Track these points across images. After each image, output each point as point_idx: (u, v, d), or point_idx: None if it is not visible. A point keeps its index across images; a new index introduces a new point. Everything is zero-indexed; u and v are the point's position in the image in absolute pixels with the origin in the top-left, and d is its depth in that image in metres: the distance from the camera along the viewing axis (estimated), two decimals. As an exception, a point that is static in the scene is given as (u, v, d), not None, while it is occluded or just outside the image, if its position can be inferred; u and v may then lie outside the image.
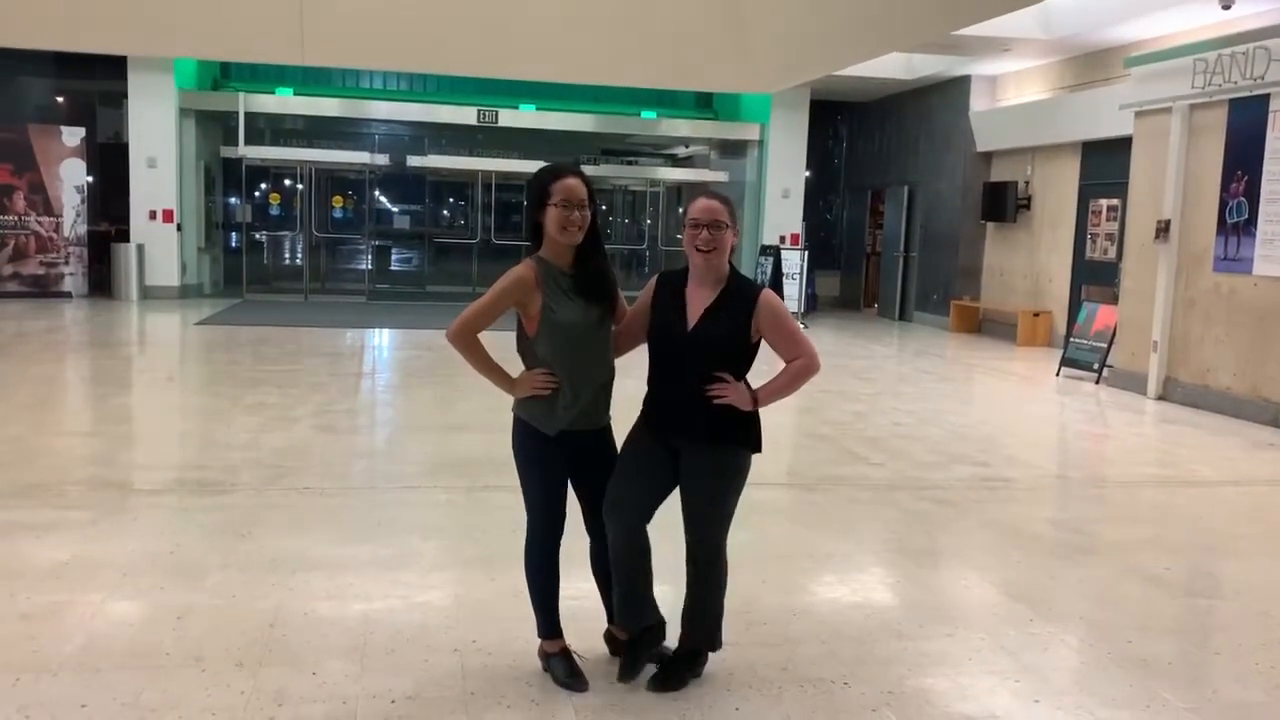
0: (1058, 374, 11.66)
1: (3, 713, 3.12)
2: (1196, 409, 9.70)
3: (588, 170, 21.01)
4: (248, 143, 17.07)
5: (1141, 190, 10.81)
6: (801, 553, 5.11)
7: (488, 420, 7.94)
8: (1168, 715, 3.45)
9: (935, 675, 3.72)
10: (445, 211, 22.94)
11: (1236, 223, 9.47)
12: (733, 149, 19.44)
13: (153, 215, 16.24)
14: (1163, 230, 10.25)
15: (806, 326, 15.65)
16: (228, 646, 3.65)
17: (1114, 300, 11.57)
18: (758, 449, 3.50)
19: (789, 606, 4.37)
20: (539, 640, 3.56)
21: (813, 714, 3.35)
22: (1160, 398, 10.24)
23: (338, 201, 20.01)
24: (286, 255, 20.41)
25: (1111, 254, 13.15)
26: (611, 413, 3.58)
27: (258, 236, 19.63)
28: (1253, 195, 9.27)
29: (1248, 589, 4.91)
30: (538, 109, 17.99)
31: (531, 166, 21.18)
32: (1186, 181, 10.09)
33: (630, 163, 22.40)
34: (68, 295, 15.92)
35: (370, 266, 19.36)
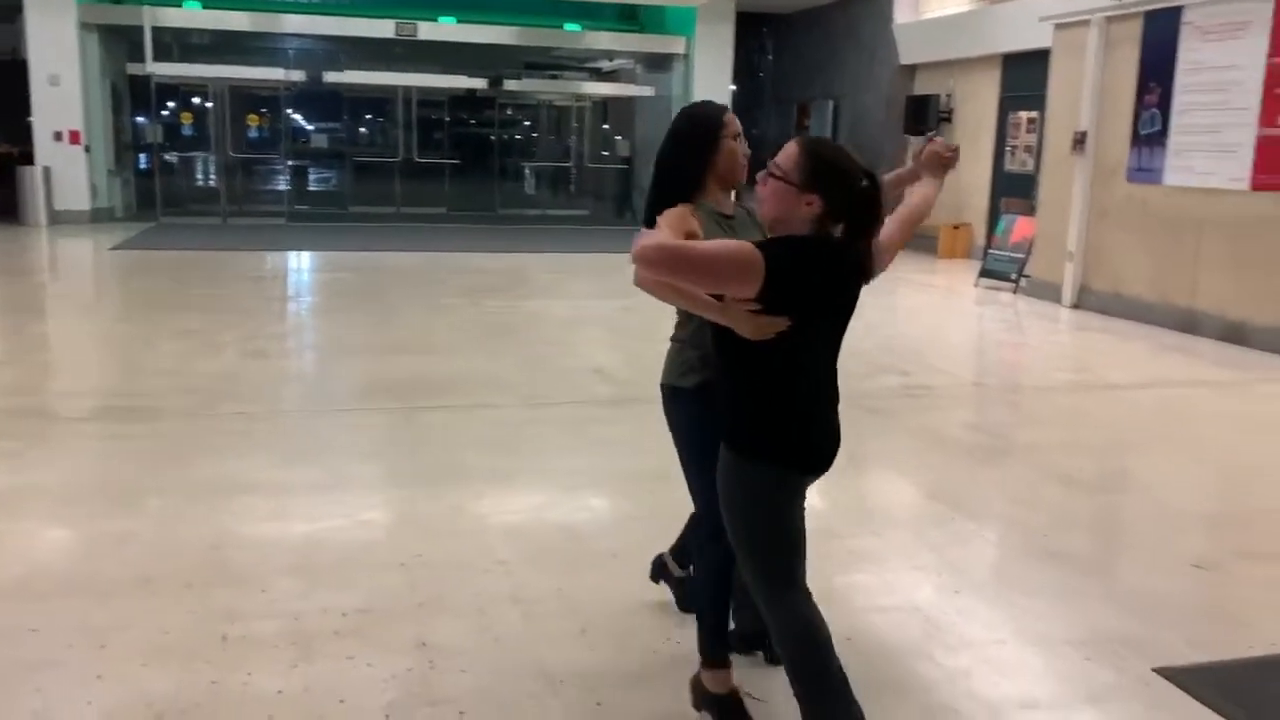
0: (976, 285, 11.96)
1: (-51, 641, 3.13)
2: (1109, 316, 10.07)
3: (509, 85, 20.56)
4: (156, 59, 16.38)
5: (1059, 103, 11.01)
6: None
7: (421, 342, 7.95)
8: (1080, 602, 3.69)
9: (864, 571, 3.91)
10: (366, 129, 22.41)
11: (1149, 134, 9.72)
12: (658, 63, 19.23)
13: (58, 136, 15.58)
14: (1079, 142, 10.49)
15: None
16: (173, 569, 3.68)
17: (1032, 212, 11.85)
18: (753, 454, 2.48)
19: (724, 513, 4.52)
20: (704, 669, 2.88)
21: (750, 612, 3.52)
22: (1075, 306, 10.59)
23: (253, 120, 19.42)
24: (201, 177, 19.80)
25: (1030, 166, 13.42)
26: None
27: (169, 158, 18.99)
28: (1165, 107, 9.52)
29: (1154, 484, 5.21)
30: (458, 21, 17.52)
31: (454, 81, 20.64)
32: (1103, 94, 10.31)
33: (554, 77, 22.04)
34: (-32, 221, 15.31)
35: (289, 187, 18.89)
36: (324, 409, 6.05)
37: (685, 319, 2.90)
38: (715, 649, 2.86)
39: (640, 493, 4.68)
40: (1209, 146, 9.08)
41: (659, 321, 9.19)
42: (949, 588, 3.76)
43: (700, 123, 2.85)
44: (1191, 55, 9.29)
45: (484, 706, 2.86)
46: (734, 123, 2.85)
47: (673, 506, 4.48)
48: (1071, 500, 4.91)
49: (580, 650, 3.21)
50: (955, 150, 2.95)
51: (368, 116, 22.25)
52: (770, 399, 2.48)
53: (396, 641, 3.20)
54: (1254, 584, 3.94)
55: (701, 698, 2.86)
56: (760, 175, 2.49)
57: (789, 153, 2.43)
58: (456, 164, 19.32)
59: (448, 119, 20.07)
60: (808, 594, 2.54)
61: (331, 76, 17.99)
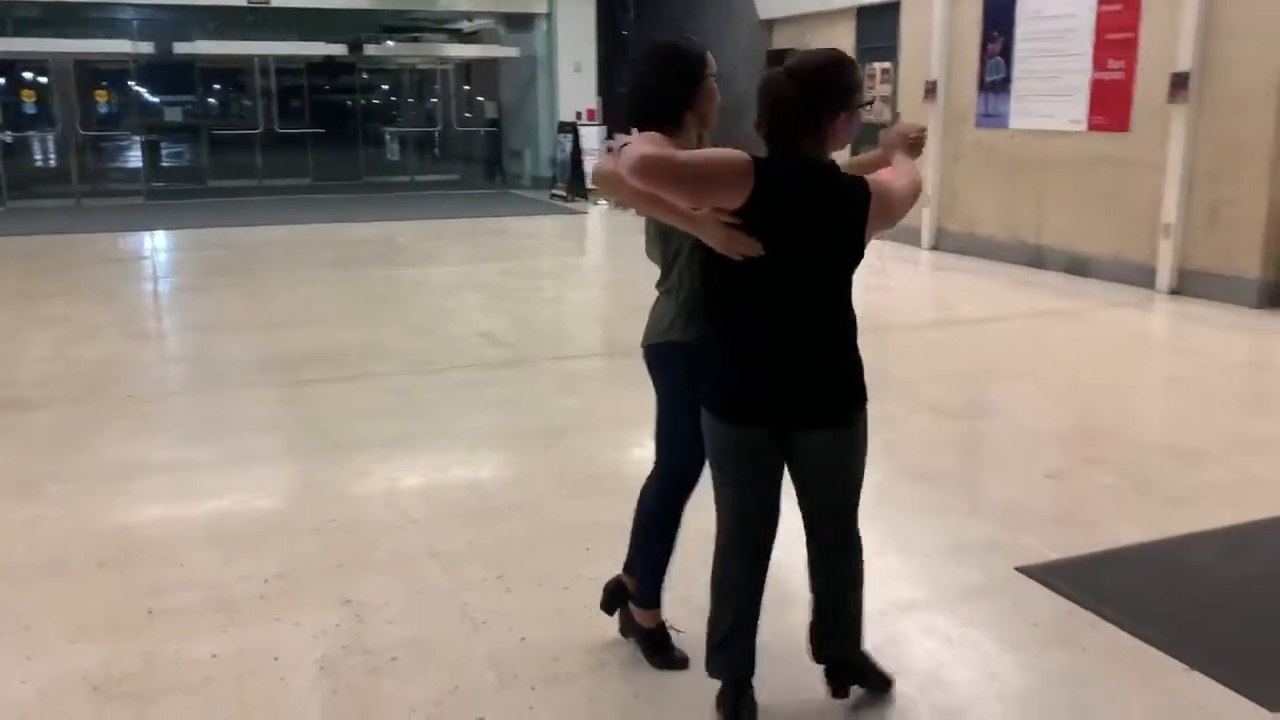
0: (844, 232, 12.45)
1: None
2: (965, 255, 10.67)
3: (369, 50, 20.00)
4: (-13, 34, 15.51)
5: (911, 54, 11.52)
6: (628, 412, 5.49)
7: (302, 315, 7.92)
8: (950, 515, 4.06)
9: (756, 504, 4.21)
10: (222, 101, 21.67)
11: (994, 81, 10.29)
12: (520, 23, 19.11)
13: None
14: (930, 91, 11.01)
15: (610, 203, 15.93)
16: (86, 550, 3.71)
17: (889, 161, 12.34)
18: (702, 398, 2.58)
19: (622, 458, 4.76)
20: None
21: (654, 547, 3.76)
22: (934, 248, 11.17)
23: (101, 96, 18.56)
24: (50, 157, 18.87)
25: (886, 115, 13.94)
26: None
27: (6, 139, 18.01)
28: (1008, 55, 10.09)
29: (1011, 408, 5.68)
30: (312, -14, 17.10)
31: (311, 49, 19.96)
32: (951, 44, 10.83)
33: (414, 40, 21.68)
34: None
35: (145, 164, 18.18)
36: (214, 387, 6.03)
37: (667, 269, 2.75)
38: (648, 594, 2.98)
39: (538, 448, 4.88)
40: (1049, 92, 9.68)
41: (539, 283, 9.46)
42: (833, 512, 4.09)
43: (685, 58, 2.71)
44: (1030, 5, 9.85)
45: (414, 651, 3.04)
46: (713, 62, 2.74)
47: (570, 459, 4.72)
48: (940, 427, 5.32)
49: (499, 594, 3.40)
50: (922, 131, 2.86)
51: (224, 88, 21.52)
52: (714, 339, 2.47)
53: (321, 601, 3.34)
54: (1099, 489, 4.39)
55: (631, 628, 3.06)
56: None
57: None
58: (319, 133, 18.90)
59: (307, 87, 19.60)
60: (749, 563, 2.60)
61: (182, 47, 17.32)
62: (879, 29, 13.62)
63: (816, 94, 2.37)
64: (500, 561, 3.64)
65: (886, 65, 13.78)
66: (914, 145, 2.82)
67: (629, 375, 6.35)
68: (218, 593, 3.40)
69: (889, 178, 2.61)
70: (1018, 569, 3.53)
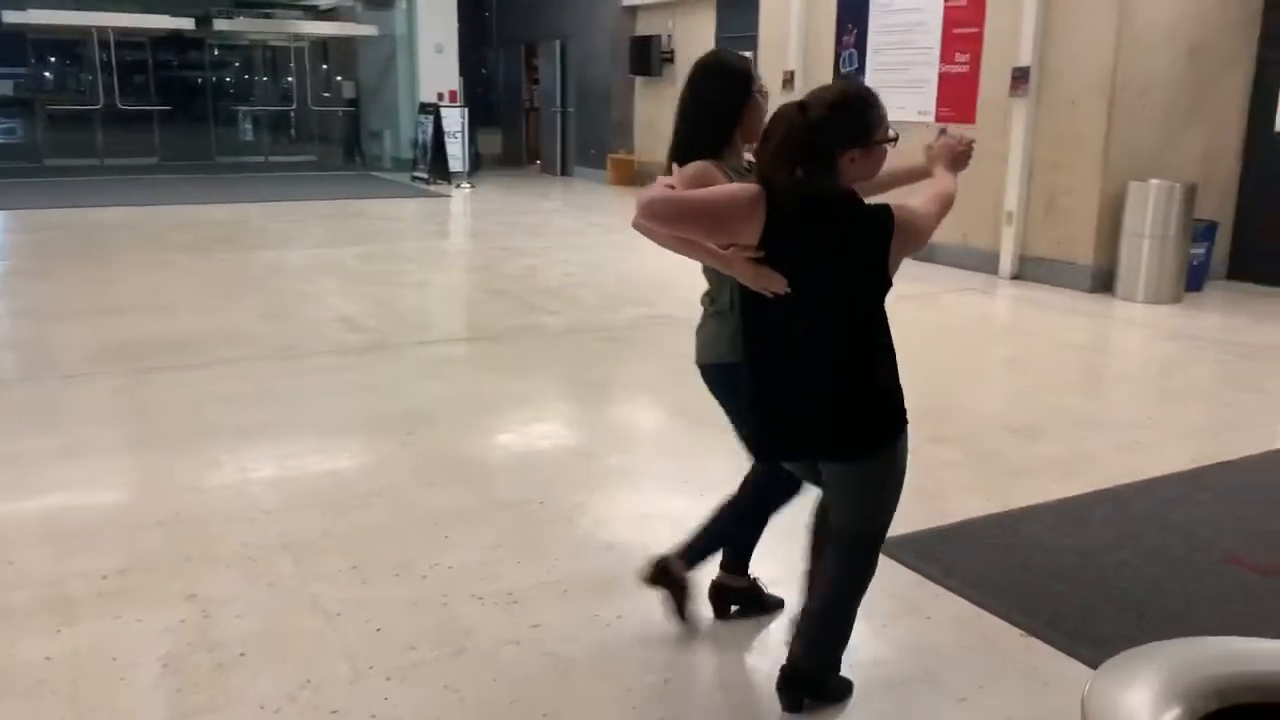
0: (707, 218, 12.60)
1: None
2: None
3: (219, 25, 19.25)
4: None
5: (769, 43, 11.72)
6: (492, 396, 5.45)
7: (148, 301, 7.56)
8: (805, 490, 4.16)
9: (619, 486, 4.24)
10: (59, 75, 20.44)
11: (849, 72, 10.57)
12: (379, 0, 18.66)
13: None
14: (788, 81, 11.23)
15: (472, 185, 15.75)
16: (-98, 552, 3.46)
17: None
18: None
19: (486, 444, 4.72)
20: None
21: (515, 530, 3.74)
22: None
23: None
24: None
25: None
26: None
27: None
28: (861, 47, 10.37)
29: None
30: (156, -44, 16.31)
31: (156, 21, 19.04)
32: (808, 35, 11.07)
33: (267, 16, 20.93)
34: None
35: (-30, 141, 17.03)
36: (50, 376, 5.70)
37: (720, 288, 2.74)
38: (701, 553, 3.04)
39: (399, 434, 4.79)
40: (900, 83, 10.00)
41: (401, 267, 9.31)
42: (695, 492, 4.14)
43: (735, 77, 2.75)
44: (882, -1, 10.16)
45: (264, 645, 2.94)
46: (759, 76, 2.79)
47: (432, 446, 4.65)
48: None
49: (353, 585, 3.33)
50: (970, 144, 2.79)
51: (61, 60, 20.29)
52: (747, 379, 2.48)
53: (165, 596, 3.20)
54: (944, 465, 4.57)
55: (661, 576, 3.01)
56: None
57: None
58: (166, 111, 18.03)
59: (153, 62, 18.66)
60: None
61: (12, 16, 16.25)
62: (739, 18, 13.82)
63: (826, 131, 2.33)
64: (356, 551, 3.56)
65: (747, 54, 14.02)
66: (959, 159, 2.77)
67: (493, 360, 6.34)
68: (51, 591, 3.22)
69: (920, 197, 2.60)
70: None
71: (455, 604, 3.13)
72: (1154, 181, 8.09)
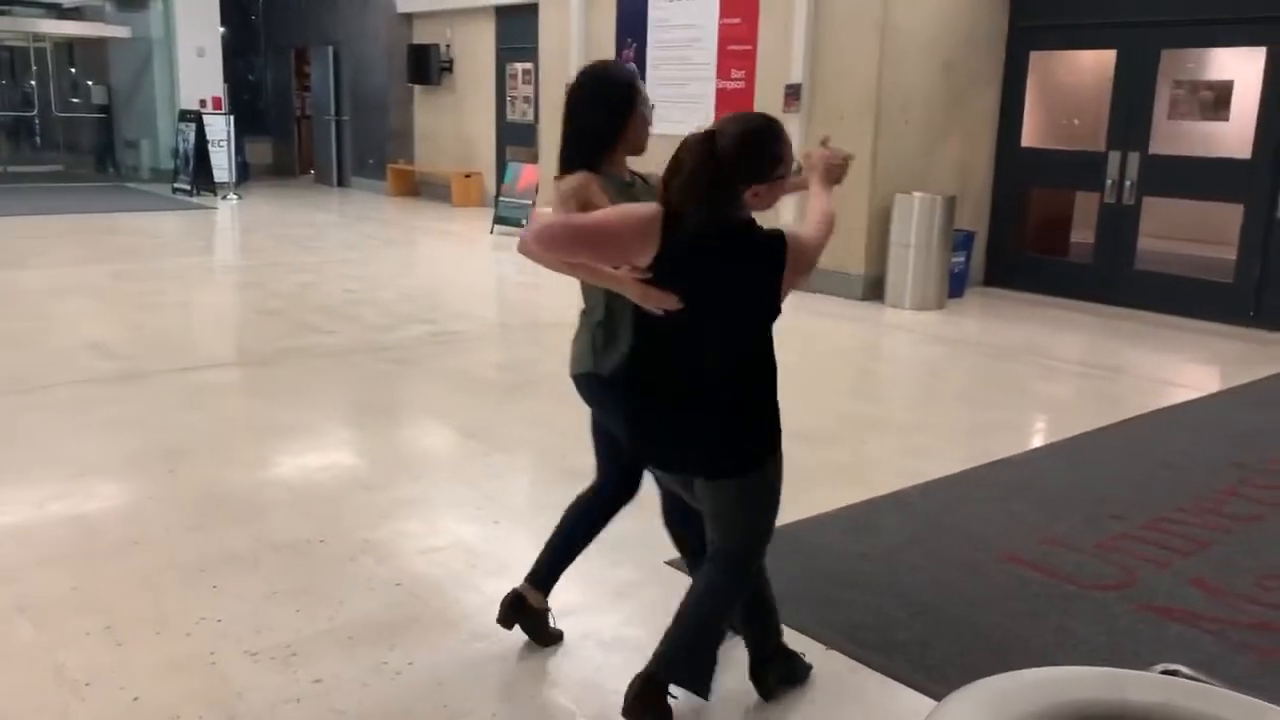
0: (491, 231, 12.40)
1: None
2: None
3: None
4: None
5: (550, 55, 11.66)
6: (264, 426, 5.07)
7: None
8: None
9: (406, 518, 3.99)
10: None
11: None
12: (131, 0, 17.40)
13: None
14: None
15: (240, 197, 14.90)
16: None
17: (535, 159, 12.48)
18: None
19: (258, 479, 4.36)
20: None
21: (293, 574, 3.45)
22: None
23: None
24: None
25: (530, 115, 14.08)
26: None
27: None
28: (641, 61, 10.46)
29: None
30: None
31: None
32: (588, 47, 11.07)
33: (3, 13, 19.11)
34: None
35: None
36: None
37: (591, 299, 2.78)
38: (555, 570, 3.02)
39: (159, 472, 4.36)
40: (679, 98, 10.14)
41: (160, 286, 8.62)
42: (488, 519, 3.97)
43: (615, 84, 2.76)
44: (659, 14, 10.28)
45: (-5, 729, 2.56)
46: (644, 88, 2.79)
47: (195, 484, 4.26)
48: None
49: (106, 648, 2.96)
50: (847, 159, 2.76)
51: None
52: (630, 385, 2.53)
53: None
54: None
55: (516, 615, 2.98)
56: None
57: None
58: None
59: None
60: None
61: None
62: (519, 29, 13.74)
63: (734, 166, 2.32)
64: (109, 609, 3.17)
65: (528, 66, 13.93)
66: (834, 173, 2.73)
67: (264, 386, 5.91)
68: None
69: (807, 222, 2.60)
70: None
71: (225, 662, 2.83)
72: (917, 194, 8.54)
